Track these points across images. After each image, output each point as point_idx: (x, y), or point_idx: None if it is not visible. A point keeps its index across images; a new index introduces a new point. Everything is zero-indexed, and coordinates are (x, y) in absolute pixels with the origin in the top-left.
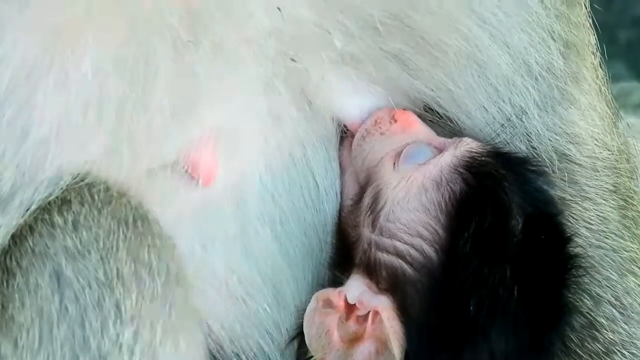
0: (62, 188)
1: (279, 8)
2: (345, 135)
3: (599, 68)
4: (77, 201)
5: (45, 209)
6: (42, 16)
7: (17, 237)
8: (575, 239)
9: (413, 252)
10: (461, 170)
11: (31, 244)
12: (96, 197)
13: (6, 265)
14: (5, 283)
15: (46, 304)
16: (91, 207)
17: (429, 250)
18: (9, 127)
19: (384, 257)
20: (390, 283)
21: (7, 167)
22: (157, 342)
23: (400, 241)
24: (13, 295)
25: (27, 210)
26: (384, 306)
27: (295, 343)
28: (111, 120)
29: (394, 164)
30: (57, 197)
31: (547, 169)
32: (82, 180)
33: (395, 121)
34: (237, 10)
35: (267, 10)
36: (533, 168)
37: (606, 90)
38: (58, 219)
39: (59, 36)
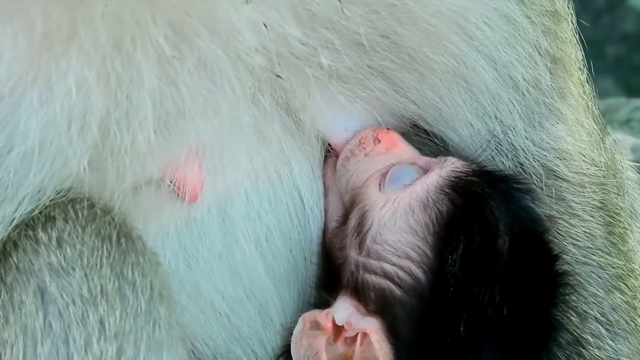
0: (45, 204)
1: (265, 25)
2: (329, 154)
3: (586, 84)
4: (62, 218)
5: (30, 225)
6: (26, 31)
7: (1, 253)
8: (562, 255)
9: (401, 273)
10: (447, 190)
11: (15, 260)
12: (80, 214)
13: None
14: None
15: (30, 321)
16: (75, 224)
17: (417, 272)
18: None
19: (371, 279)
20: (379, 305)
21: None
22: (141, 358)
23: (387, 263)
24: None
25: (10, 224)
26: (372, 328)
27: None
28: (94, 136)
29: (380, 185)
30: (41, 214)
31: (533, 186)
32: (65, 196)
33: (379, 141)
34: (223, 27)
35: (253, 26)
36: (519, 186)
37: (593, 106)
38: (42, 236)
39: (43, 51)
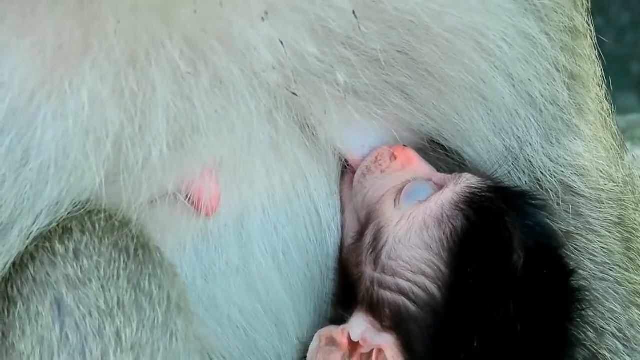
0: (62, 217)
1: (281, 42)
2: (346, 170)
3: (605, 100)
4: (79, 229)
5: (47, 236)
6: (40, 45)
7: (19, 265)
8: (579, 271)
9: (416, 289)
10: (462, 206)
11: (32, 272)
12: (97, 225)
13: (7, 293)
14: (6, 311)
15: (47, 332)
16: (92, 236)
17: (432, 288)
18: (8, 155)
19: (386, 295)
20: (394, 321)
21: (6, 195)
22: None
23: (402, 279)
24: (14, 324)
25: (27, 238)
26: (387, 344)
27: None
28: (108, 151)
29: (395, 201)
30: (58, 225)
31: (547, 202)
32: (83, 208)
33: (395, 158)
34: (239, 43)
35: (269, 43)
36: (533, 202)
37: (611, 122)
38: (59, 247)
39: (58, 65)
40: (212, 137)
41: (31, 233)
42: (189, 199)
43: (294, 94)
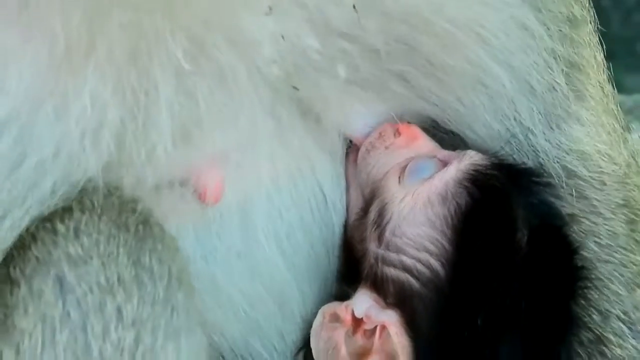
0: (57, 204)
1: (282, 36)
2: (350, 149)
3: (606, 84)
4: (78, 208)
5: (47, 217)
6: (43, 46)
7: (21, 247)
8: (584, 253)
9: (420, 266)
10: (466, 183)
11: (34, 252)
12: (96, 203)
13: (10, 276)
14: (10, 293)
15: (49, 310)
16: (92, 214)
17: (436, 265)
18: (7, 153)
19: (390, 271)
20: (398, 298)
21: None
22: (158, 346)
23: (406, 256)
24: (17, 304)
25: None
26: (391, 321)
27: (301, 355)
28: (111, 149)
29: (399, 178)
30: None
31: (551, 181)
32: (83, 188)
33: (400, 135)
34: (242, 38)
35: (271, 38)
36: (538, 180)
37: (614, 106)
38: (60, 227)
39: (62, 67)
40: (216, 132)
41: (22, 225)
42: (194, 190)
43: (295, 88)
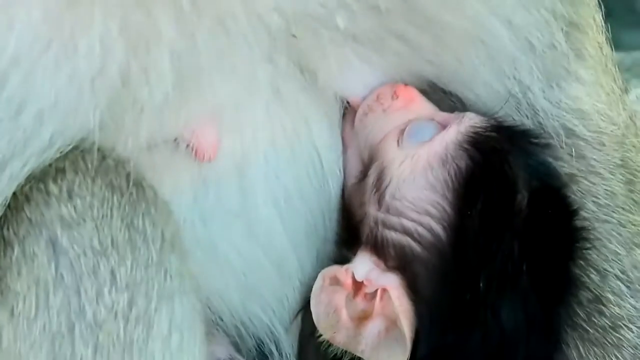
0: (56, 156)
1: None
2: (347, 110)
3: (605, 45)
4: (72, 170)
5: (41, 178)
6: None
7: (14, 207)
8: (583, 213)
9: (421, 229)
10: (466, 146)
11: (28, 213)
12: (90, 165)
13: (4, 236)
14: (3, 255)
15: (42, 272)
16: (85, 175)
17: (437, 228)
18: (9, 99)
19: (391, 235)
20: (399, 261)
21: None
22: (152, 308)
23: (407, 219)
24: (10, 266)
25: (17, 181)
26: (392, 284)
27: (299, 318)
28: (113, 90)
29: (398, 141)
30: (51, 166)
31: (551, 142)
32: (77, 148)
33: (397, 97)
34: None
35: None
36: (537, 141)
37: (612, 67)
38: (53, 188)
39: (64, 10)
40: (214, 78)
41: (23, 175)
42: (190, 144)
43: (293, 36)
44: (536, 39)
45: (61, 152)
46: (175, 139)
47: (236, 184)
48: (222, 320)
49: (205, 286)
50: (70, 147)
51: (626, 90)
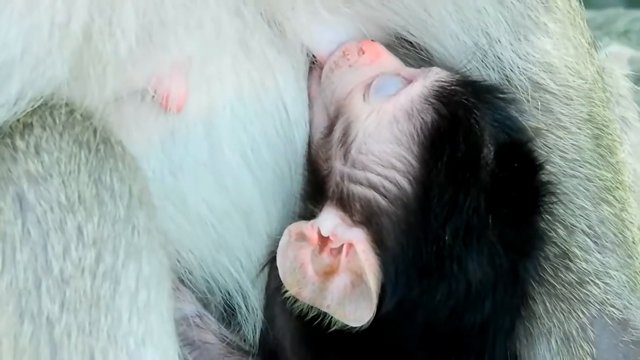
0: (24, 110)
1: None
2: (314, 66)
3: None
4: (39, 125)
5: (8, 133)
6: None
7: None
8: (549, 168)
9: (386, 183)
10: (432, 100)
11: None
12: (58, 120)
13: None
14: None
15: (9, 228)
16: (52, 131)
17: (403, 182)
18: None
19: (357, 189)
20: (364, 215)
21: None
22: (119, 264)
23: (373, 173)
24: None
25: None
26: (358, 239)
27: (266, 271)
28: (77, 44)
29: (364, 95)
30: (19, 121)
31: (517, 97)
32: (45, 104)
33: (364, 52)
34: None
35: None
36: (503, 96)
37: (581, 21)
38: (20, 143)
39: None
40: (180, 32)
41: None
42: (157, 95)
43: None
44: None
45: (32, 107)
46: (142, 91)
47: (204, 135)
48: (191, 274)
49: (175, 239)
50: (39, 102)
51: (595, 46)
